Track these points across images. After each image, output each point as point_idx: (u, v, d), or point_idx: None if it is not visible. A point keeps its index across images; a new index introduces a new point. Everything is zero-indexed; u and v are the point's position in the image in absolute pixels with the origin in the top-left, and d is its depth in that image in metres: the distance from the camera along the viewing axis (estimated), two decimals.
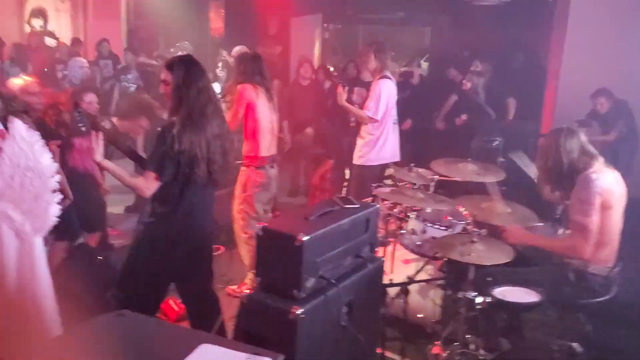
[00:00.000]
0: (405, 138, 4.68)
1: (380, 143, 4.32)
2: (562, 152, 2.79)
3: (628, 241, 2.97)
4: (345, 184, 5.41)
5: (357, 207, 2.37)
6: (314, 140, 5.81)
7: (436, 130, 6.35)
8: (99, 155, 2.54)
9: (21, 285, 2.07)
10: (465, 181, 3.57)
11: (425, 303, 3.35)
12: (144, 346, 1.45)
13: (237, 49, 5.18)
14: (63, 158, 3.53)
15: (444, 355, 2.84)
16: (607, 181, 2.76)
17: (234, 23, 8.51)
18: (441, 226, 3.30)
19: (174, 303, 3.56)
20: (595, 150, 2.88)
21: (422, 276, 3.29)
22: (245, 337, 2.04)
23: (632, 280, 3.03)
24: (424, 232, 3.29)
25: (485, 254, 2.66)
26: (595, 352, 2.96)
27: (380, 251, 3.27)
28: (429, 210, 3.49)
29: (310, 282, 2.07)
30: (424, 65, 8.27)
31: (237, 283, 4.02)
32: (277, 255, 2.09)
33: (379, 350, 2.85)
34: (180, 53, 2.76)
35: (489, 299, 2.65)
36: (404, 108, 4.79)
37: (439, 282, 3.31)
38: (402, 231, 3.40)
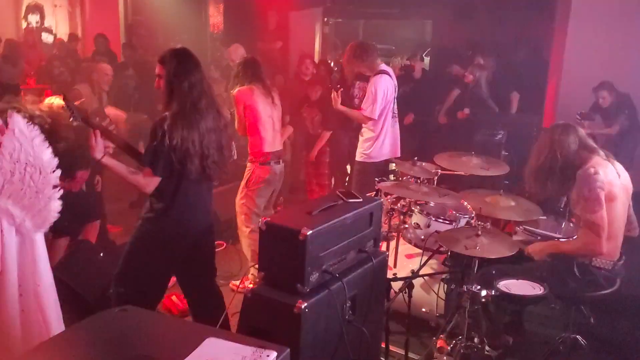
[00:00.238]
0: (408, 132, 4.66)
1: (381, 139, 4.31)
2: (557, 147, 2.77)
3: None
4: (347, 178, 5.40)
5: (361, 202, 2.36)
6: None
7: (439, 124, 6.32)
8: (98, 153, 2.53)
9: (22, 281, 2.05)
10: (469, 175, 3.56)
11: (429, 297, 3.35)
12: (150, 341, 1.44)
13: (233, 48, 5.14)
14: None
15: (448, 348, 2.84)
16: (608, 174, 2.74)
17: (233, 18, 8.46)
18: (445, 220, 3.29)
19: (177, 299, 3.55)
20: (595, 145, 2.86)
21: (426, 270, 3.28)
22: (249, 332, 2.03)
23: (635, 272, 3.03)
24: (428, 226, 3.28)
25: (489, 248, 2.65)
26: (599, 344, 2.96)
27: (384, 246, 3.27)
28: (432, 204, 3.48)
29: (314, 277, 2.06)
30: (426, 59, 8.23)
31: (240, 278, 4.01)
32: (281, 249, 2.07)
33: (383, 345, 2.84)
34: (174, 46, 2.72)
35: (493, 292, 2.64)
36: (406, 102, 4.77)
37: (443, 276, 3.30)
38: (405, 225, 3.39)
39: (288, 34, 7.96)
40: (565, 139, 2.78)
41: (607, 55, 5.66)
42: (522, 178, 3.15)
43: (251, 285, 2.12)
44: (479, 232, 2.69)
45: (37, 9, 8.54)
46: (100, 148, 2.53)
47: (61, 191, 2.15)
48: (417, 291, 3.22)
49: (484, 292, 2.65)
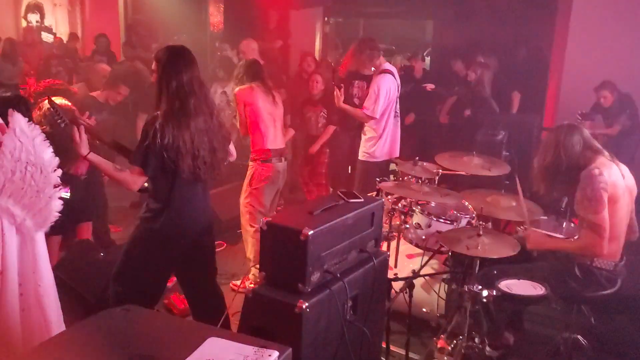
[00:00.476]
0: (409, 132, 4.66)
1: (383, 138, 4.32)
2: (561, 148, 2.77)
3: None
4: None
5: (362, 202, 2.35)
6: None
7: (440, 124, 6.32)
8: (84, 149, 2.53)
9: (23, 281, 2.04)
10: (470, 175, 3.55)
11: (430, 297, 3.34)
12: (151, 341, 1.43)
13: (246, 43, 5.12)
14: None
15: (449, 348, 2.84)
16: (612, 175, 2.73)
17: (233, 17, 8.45)
18: (446, 220, 3.29)
19: (177, 299, 3.55)
20: (599, 145, 2.85)
21: (426, 270, 3.28)
22: (250, 332, 2.03)
23: (636, 273, 3.03)
24: (429, 226, 3.27)
25: (491, 247, 2.64)
26: (600, 344, 2.96)
27: (384, 246, 3.27)
28: (433, 204, 3.47)
29: (315, 276, 2.06)
30: (427, 59, 8.23)
31: (240, 278, 4.01)
32: (282, 249, 2.07)
33: (384, 344, 2.84)
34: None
35: (494, 292, 2.64)
36: (407, 102, 4.76)
37: (444, 276, 3.30)
38: (406, 225, 3.39)
39: (288, 33, 7.95)
40: (570, 139, 2.77)
41: (608, 55, 5.66)
42: (525, 177, 3.16)
43: (252, 285, 2.11)
44: (480, 232, 2.69)
45: (37, 8, 8.53)
46: (85, 144, 2.52)
47: (62, 190, 2.15)
48: (418, 291, 3.22)
49: (485, 292, 2.65)
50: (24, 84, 6.41)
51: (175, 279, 3.10)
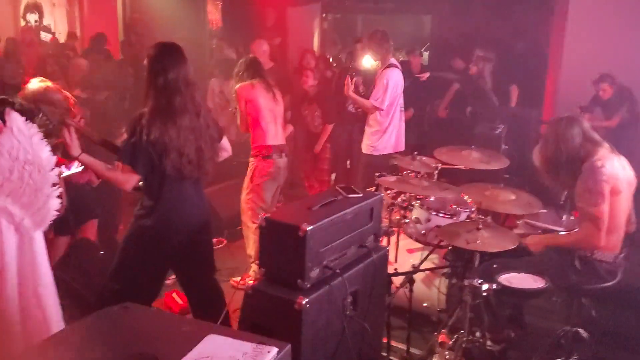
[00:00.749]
0: (408, 127, 4.67)
1: (389, 132, 4.35)
2: (561, 141, 2.77)
3: None
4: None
5: (361, 197, 2.35)
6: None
7: (438, 118, 6.31)
8: (75, 150, 2.53)
9: (22, 280, 2.05)
10: (468, 169, 3.55)
11: (430, 292, 3.35)
12: (150, 338, 1.43)
13: (257, 43, 5.14)
14: None
15: (450, 343, 2.84)
16: (613, 167, 2.73)
17: (231, 15, 8.44)
18: (446, 214, 3.28)
19: (177, 296, 3.55)
20: (599, 137, 2.84)
21: (427, 265, 3.28)
22: (250, 328, 2.03)
23: (637, 264, 3.02)
24: (428, 220, 3.27)
25: (490, 241, 2.64)
26: (601, 336, 2.96)
27: (384, 241, 3.27)
28: (433, 198, 3.47)
29: (314, 272, 2.05)
30: (425, 55, 8.20)
31: (240, 275, 4.01)
32: (281, 245, 2.07)
33: (384, 340, 2.84)
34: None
35: (494, 286, 2.64)
36: (406, 97, 4.76)
37: (444, 270, 3.29)
38: (406, 220, 3.38)
39: (287, 30, 7.93)
40: (570, 131, 2.77)
41: (606, 48, 5.64)
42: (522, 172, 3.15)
43: (252, 282, 2.11)
44: (480, 226, 2.68)
45: (36, 7, 8.51)
46: (76, 145, 2.53)
47: (60, 189, 2.15)
48: (418, 286, 3.22)
49: (485, 286, 2.65)
50: (24, 84, 6.40)
51: (175, 276, 3.10)
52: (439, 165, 3.56)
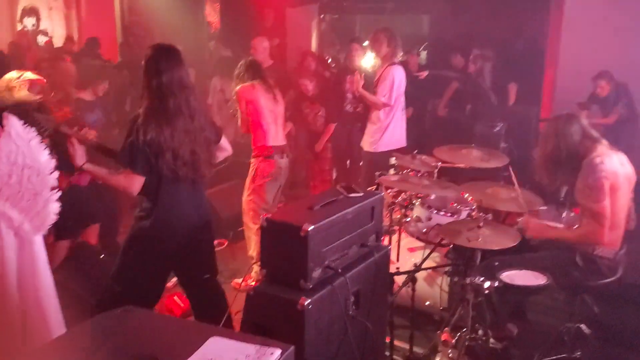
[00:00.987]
0: (407, 126, 4.68)
1: (390, 129, 4.36)
2: (560, 138, 2.77)
3: None
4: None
5: (362, 196, 2.34)
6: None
7: (438, 117, 6.30)
8: (79, 160, 2.53)
9: (22, 284, 2.04)
10: (469, 167, 3.55)
11: (432, 290, 3.34)
12: (152, 341, 1.43)
13: (258, 40, 5.13)
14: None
15: (453, 341, 2.83)
16: (612, 164, 2.73)
17: (229, 16, 8.44)
18: (447, 213, 3.28)
19: (178, 299, 3.54)
20: (597, 134, 2.85)
21: (428, 263, 3.27)
22: (252, 330, 2.02)
23: (637, 260, 3.02)
24: (429, 219, 3.27)
25: (491, 239, 2.64)
26: (603, 333, 2.96)
27: (385, 240, 3.26)
28: (433, 197, 3.47)
29: (316, 273, 2.05)
30: (423, 54, 8.20)
31: (241, 276, 4.00)
32: (283, 246, 2.06)
33: (387, 339, 2.83)
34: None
35: (496, 284, 2.63)
36: (405, 96, 4.77)
37: (446, 269, 3.29)
38: (407, 219, 3.38)
39: (285, 31, 7.93)
40: (569, 128, 2.77)
41: (603, 45, 5.64)
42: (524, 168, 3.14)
43: (253, 283, 2.11)
44: (481, 224, 2.68)
45: (33, 11, 8.49)
46: (80, 154, 2.54)
47: (59, 193, 2.14)
48: (421, 285, 3.22)
49: (487, 284, 2.64)
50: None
51: (176, 279, 3.09)
52: (439, 163, 3.56)
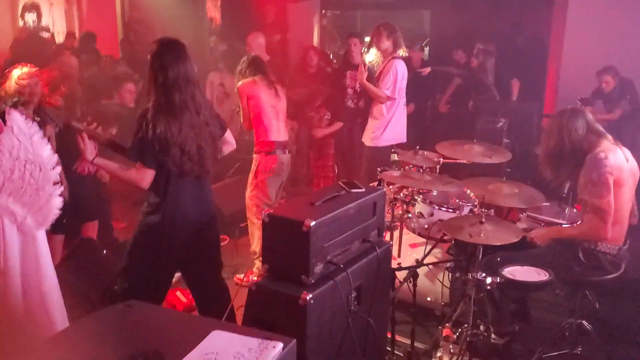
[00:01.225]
0: (409, 121, 4.67)
1: (392, 123, 4.36)
2: (565, 132, 2.76)
3: None
4: None
5: (363, 191, 2.34)
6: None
7: (440, 113, 6.28)
8: (90, 154, 2.54)
9: (25, 279, 2.04)
10: (471, 163, 3.54)
11: (434, 286, 3.34)
12: (155, 335, 1.43)
13: (253, 36, 5.10)
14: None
15: (454, 337, 2.84)
16: (617, 159, 2.72)
17: (230, 12, 8.41)
18: (448, 208, 3.28)
19: (181, 294, 3.55)
20: (602, 129, 2.83)
21: (430, 259, 3.28)
22: (254, 325, 2.02)
23: (638, 256, 3.02)
24: (431, 214, 3.27)
25: (493, 235, 2.63)
26: (605, 328, 2.96)
27: (387, 235, 3.26)
28: (435, 192, 3.46)
29: (318, 268, 2.05)
30: (425, 50, 8.18)
31: (244, 272, 4.02)
32: (285, 241, 2.06)
33: (389, 334, 2.83)
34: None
35: (498, 279, 2.63)
36: (407, 92, 4.76)
37: (448, 264, 3.29)
38: (409, 215, 3.38)
39: (286, 27, 7.91)
40: (573, 123, 2.76)
41: (606, 40, 5.62)
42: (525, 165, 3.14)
43: (256, 279, 2.11)
44: (483, 220, 2.68)
45: (34, 7, 8.49)
46: (90, 149, 2.55)
47: (62, 188, 2.15)
48: (422, 280, 3.22)
49: (488, 280, 2.64)
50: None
51: (180, 274, 3.09)
52: (441, 159, 3.55)
